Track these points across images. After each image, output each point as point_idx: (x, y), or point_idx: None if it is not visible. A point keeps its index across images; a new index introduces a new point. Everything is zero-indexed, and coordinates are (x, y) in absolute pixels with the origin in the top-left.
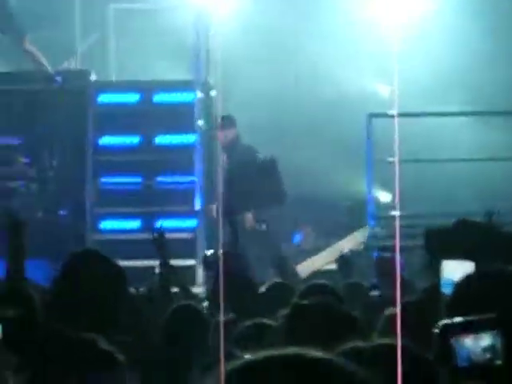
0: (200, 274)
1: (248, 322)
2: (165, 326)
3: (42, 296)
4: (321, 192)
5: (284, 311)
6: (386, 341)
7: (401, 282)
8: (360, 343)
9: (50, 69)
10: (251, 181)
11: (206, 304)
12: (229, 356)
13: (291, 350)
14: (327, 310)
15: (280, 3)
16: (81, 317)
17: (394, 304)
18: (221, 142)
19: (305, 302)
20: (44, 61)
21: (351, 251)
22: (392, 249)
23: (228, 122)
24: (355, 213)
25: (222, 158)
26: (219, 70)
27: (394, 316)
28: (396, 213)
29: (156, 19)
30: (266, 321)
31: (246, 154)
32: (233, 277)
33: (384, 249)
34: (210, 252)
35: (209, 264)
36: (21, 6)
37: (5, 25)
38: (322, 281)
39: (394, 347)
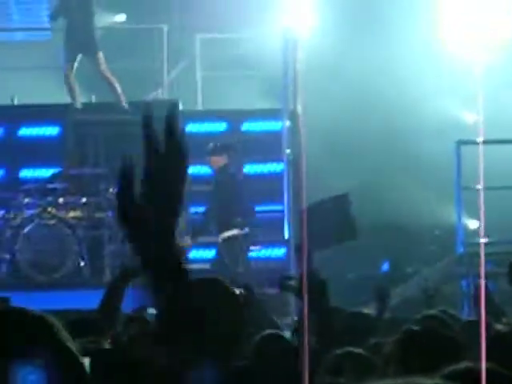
0: (291, 302)
1: (338, 351)
2: (253, 354)
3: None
4: (409, 220)
5: (373, 340)
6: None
7: (492, 309)
8: (469, 364)
9: (122, 97)
10: (326, 217)
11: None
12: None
13: (410, 381)
14: (437, 335)
15: (359, 29)
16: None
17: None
18: (212, 165)
19: (416, 328)
20: (118, 87)
21: (438, 279)
22: (485, 276)
23: (219, 149)
24: (443, 241)
25: (212, 182)
26: (303, 99)
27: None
28: (482, 240)
29: (242, 48)
30: (353, 349)
31: (230, 182)
32: (319, 305)
33: (478, 276)
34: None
35: (287, 288)
36: (109, 37)
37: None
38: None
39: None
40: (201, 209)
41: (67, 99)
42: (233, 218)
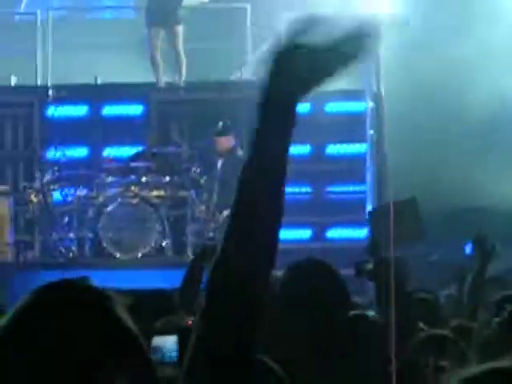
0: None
1: (425, 333)
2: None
3: None
4: (488, 202)
5: (455, 321)
6: None
7: None
8: None
9: (181, 78)
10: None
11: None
12: (413, 365)
13: None
14: None
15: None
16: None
17: None
18: (217, 148)
19: None
20: (183, 69)
21: None
22: None
23: (225, 129)
24: None
25: (217, 165)
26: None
27: None
28: None
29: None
30: (437, 331)
31: (239, 166)
32: (396, 286)
33: None
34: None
35: (362, 272)
36: (193, 17)
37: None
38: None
39: None
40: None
41: (151, 78)
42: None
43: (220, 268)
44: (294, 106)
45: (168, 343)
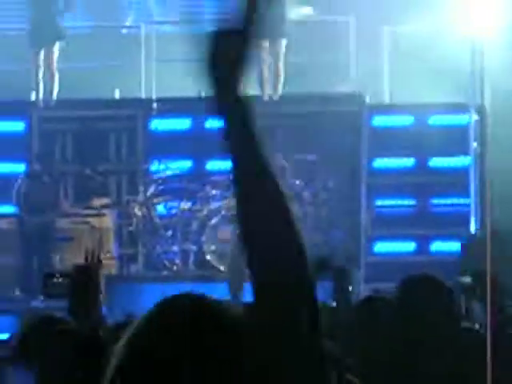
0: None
1: None
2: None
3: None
4: None
5: None
6: None
7: None
8: None
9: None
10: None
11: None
12: None
13: None
14: None
15: None
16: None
17: None
18: None
19: None
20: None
21: None
22: None
23: None
24: None
25: None
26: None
27: None
28: None
29: (427, 41)
30: None
31: None
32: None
33: None
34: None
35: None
36: (297, 30)
37: None
38: None
39: None
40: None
41: (257, 91)
42: None
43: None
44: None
45: None
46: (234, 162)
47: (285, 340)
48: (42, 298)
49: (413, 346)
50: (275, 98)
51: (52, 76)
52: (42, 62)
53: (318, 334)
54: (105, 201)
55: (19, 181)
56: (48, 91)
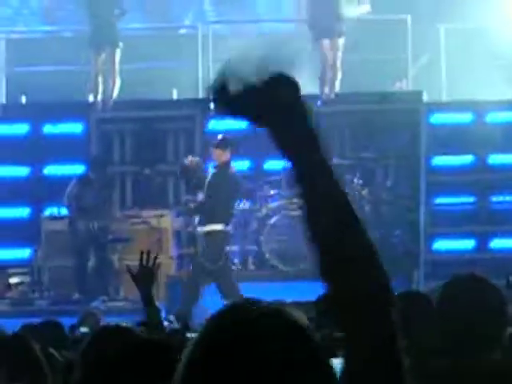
0: None
1: None
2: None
3: None
4: None
5: None
6: None
7: None
8: None
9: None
10: None
11: None
12: None
13: None
14: None
15: None
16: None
17: None
18: (214, 159)
19: None
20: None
21: None
22: None
23: (223, 143)
24: None
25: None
26: None
27: None
28: None
29: (484, 38)
30: None
31: (232, 179)
32: None
33: None
34: None
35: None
36: (354, 28)
37: None
38: None
39: None
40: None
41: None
42: (221, 214)
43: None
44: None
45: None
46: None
47: None
48: (102, 298)
49: (450, 343)
50: (333, 96)
51: (113, 78)
52: (101, 64)
53: None
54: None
55: (72, 182)
56: (108, 93)
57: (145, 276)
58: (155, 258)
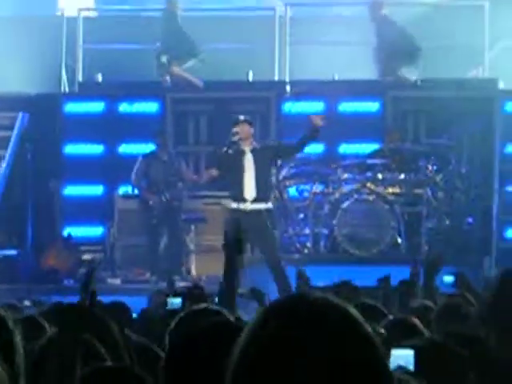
0: None
1: None
2: None
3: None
4: None
5: None
6: None
7: None
8: None
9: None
10: None
11: None
12: None
13: None
14: None
15: None
16: None
17: None
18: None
19: None
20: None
21: None
22: None
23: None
24: None
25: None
26: None
27: None
28: None
29: None
30: None
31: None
32: None
33: None
34: None
35: None
36: (432, 15)
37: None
38: None
39: None
40: None
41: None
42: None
43: None
44: None
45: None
46: None
47: None
48: (174, 278)
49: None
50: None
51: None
52: None
53: None
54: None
55: (138, 160)
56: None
57: (236, 245)
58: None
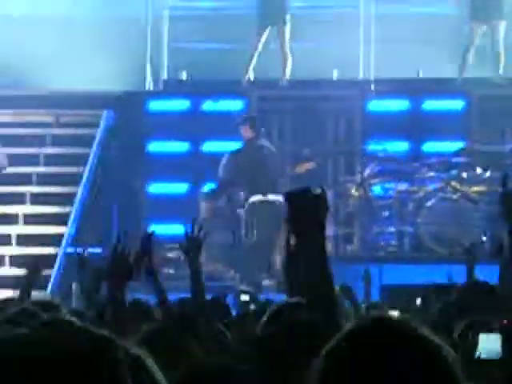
0: None
1: None
2: None
3: None
4: None
5: None
6: None
7: None
8: None
9: None
10: None
11: None
12: None
13: None
14: None
15: None
16: None
17: None
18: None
19: None
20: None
21: None
22: None
23: (244, 120)
24: None
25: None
26: None
27: None
28: None
29: None
30: None
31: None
32: None
33: None
34: None
35: None
36: None
37: None
38: None
39: None
40: None
41: (475, 73)
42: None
43: None
44: None
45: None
46: None
47: None
48: (259, 276)
49: None
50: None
51: (284, 56)
52: (263, 42)
53: None
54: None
55: (226, 156)
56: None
57: (192, 247)
58: (200, 227)
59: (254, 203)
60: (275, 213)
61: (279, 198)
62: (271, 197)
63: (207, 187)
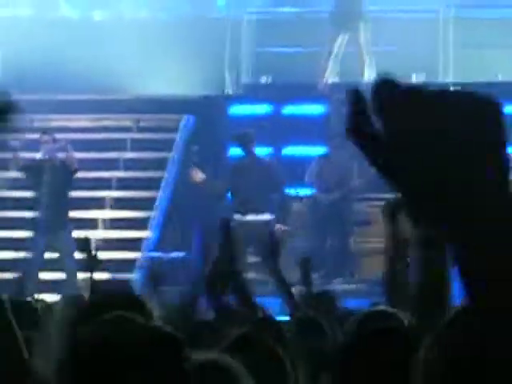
0: None
1: None
2: None
3: None
4: None
5: None
6: None
7: None
8: None
9: None
10: None
11: None
12: None
13: None
14: None
15: None
16: None
17: None
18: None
19: None
20: None
21: None
22: None
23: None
24: None
25: None
26: None
27: None
28: None
29: None
30: None
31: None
32: None
33: None
34: None
35: None
36: None
37: None
38: None
39: None
40: None
41: None
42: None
43: None
44: None
45: None
46: None
47: None
48: (338, 280)
49: None
50: None
51: (361, 58)
52: (340, 45)
53: None
54: None
55: (314, 161)
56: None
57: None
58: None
59: None
60: None
61: None
62: None
63: (292, 191)
